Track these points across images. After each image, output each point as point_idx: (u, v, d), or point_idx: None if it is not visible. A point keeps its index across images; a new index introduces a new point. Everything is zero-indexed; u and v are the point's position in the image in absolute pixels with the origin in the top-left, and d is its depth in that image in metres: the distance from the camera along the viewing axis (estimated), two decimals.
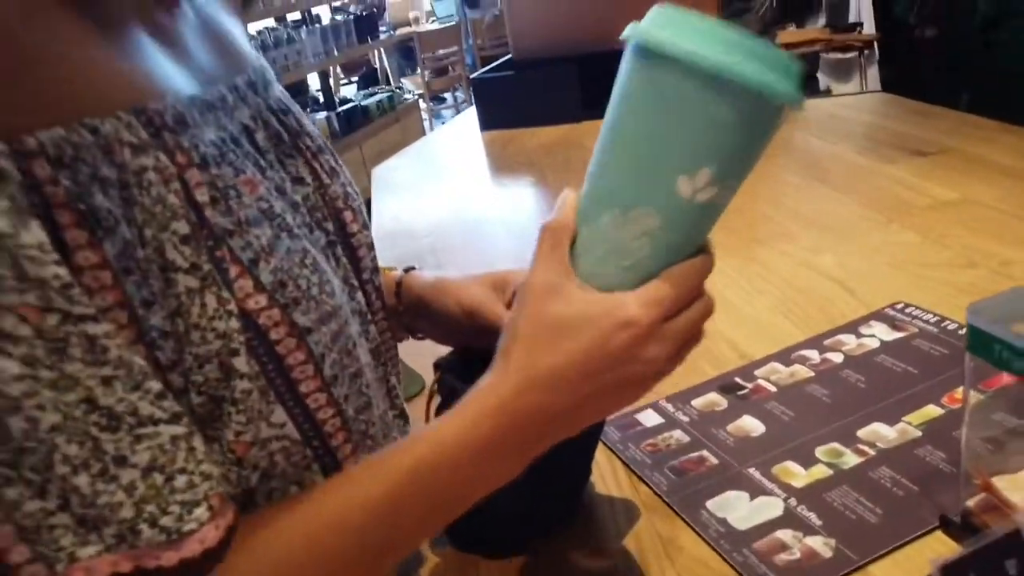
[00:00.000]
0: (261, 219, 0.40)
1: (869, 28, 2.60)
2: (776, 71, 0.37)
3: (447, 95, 6.82)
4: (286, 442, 0.40)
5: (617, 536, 0.59)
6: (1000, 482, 0.54)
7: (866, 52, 2.09)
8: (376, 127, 4.80)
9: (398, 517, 0.40)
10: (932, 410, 0.67)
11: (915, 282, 0.89)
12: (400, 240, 1.32)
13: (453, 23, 6.44)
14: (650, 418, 0.72)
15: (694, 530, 0.58)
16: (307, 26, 4.61)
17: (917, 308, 0.83)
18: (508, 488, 0.42)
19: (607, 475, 0.66)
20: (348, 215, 0.51)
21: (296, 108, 0.51)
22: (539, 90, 1.98)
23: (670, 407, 0.74)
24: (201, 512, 0.34)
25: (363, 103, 4.83)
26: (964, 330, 0.55)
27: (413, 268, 0.63)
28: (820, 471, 0.62)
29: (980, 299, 0.52)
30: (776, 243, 1.05)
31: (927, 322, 0.80)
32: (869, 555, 0.54)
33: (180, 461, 0.34)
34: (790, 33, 2.14)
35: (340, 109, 4.56)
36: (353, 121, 4.55)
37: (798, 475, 0.62)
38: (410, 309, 0.61)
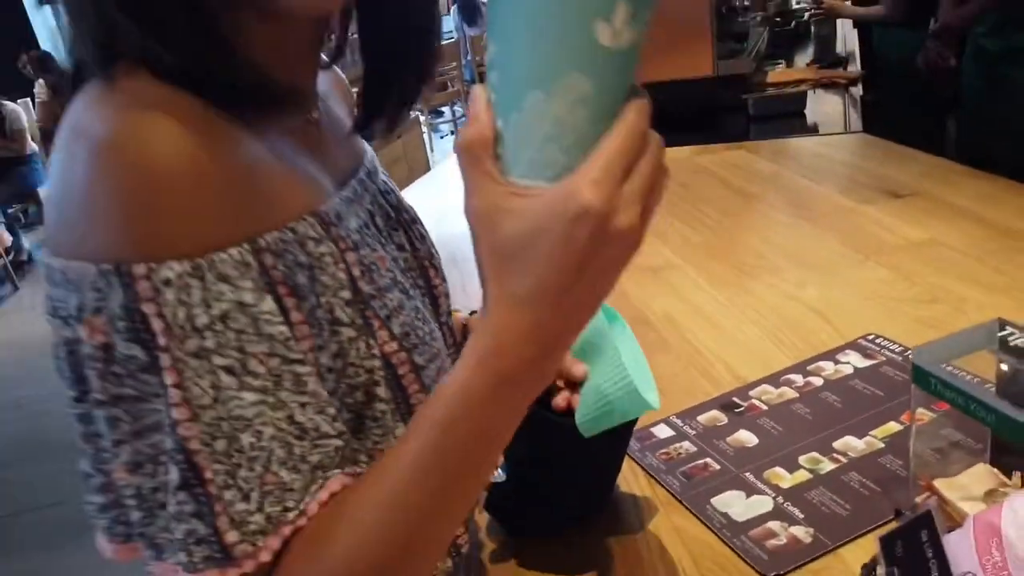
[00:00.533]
0: (391, 286, 0.54)
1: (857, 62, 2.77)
2: None
3: (445, 109, 6.98)
4: None
5: (639, 526, 0.74)
6: (940, 484, 0.69)
7: (850, 89, 2.25)
8: (379, 142, 4.93)
9: (442, 461, 0.42)
10: (893, 426, 0.82)
11: (885, 315, 1.04)
12: None
13: (452, 40, 6.60)
14: (663, 431, 0.87)
15: (702, 521, 0.73)
16: None
17: (885, 339, 0.98)
18: (551, 482, 0.54)
19: (629, 478, 0.81)
20: (432, 272, 0.65)
21: (394, 186, 0.66)
22: None
23: (679, 422, 0.88)
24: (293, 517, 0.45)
25: None
26: None
27: (475, 312, 0.77)
28: (802, 475, 0.77)
29: (925, 343, 0.67)
30: (765, 276, 1.20)
31: (893, 351, 0.95)
32: (839, 540, 0.68)
33: (336, 465, 0.47)
34: (780, 72, 2.30)
35: None
36: None
37: (784, 478, 0.77)
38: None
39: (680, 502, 0.76)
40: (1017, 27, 1.85)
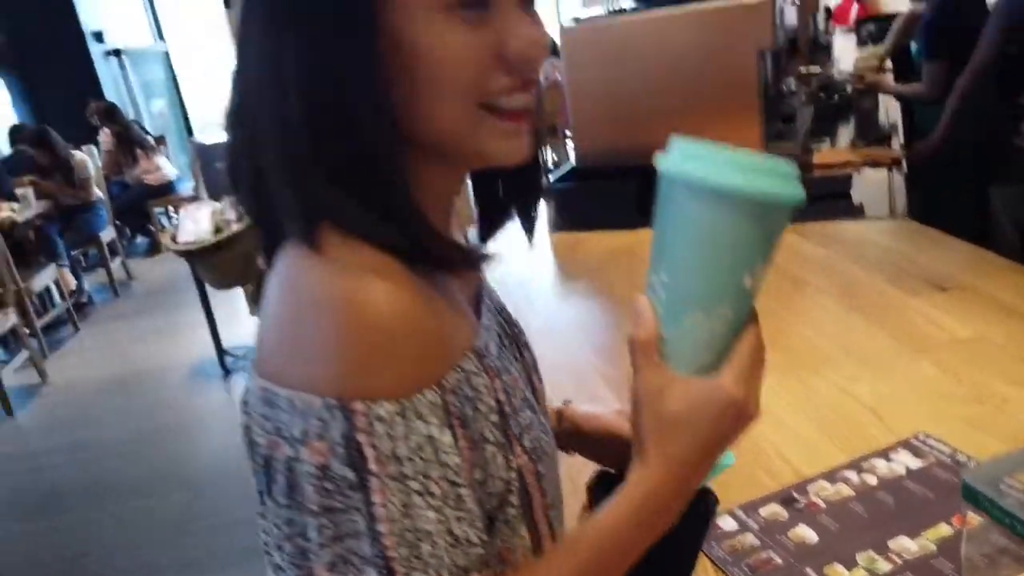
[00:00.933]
0: (523, 405, 0.64)
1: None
2: (787, 179, 0.51)
3: None
4: (523, 548, 0.63)
5: None
6: None
7: (893, 169, 2.33)
8: None
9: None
10: (944, 528, 0.89)
11: (933, 413, 1.11)
12: None
13: None
14: (728, 523, 0.95)
15: None
16: None
17: (934, 439, 1.05)
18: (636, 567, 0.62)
19: (699, 568, 0.89)
20: (535, 377, 0.74)
21: (502, 301, 0.76)
22: (600, 198, 2.24)
23: (742, 514, 0.96)
24: None
25: None
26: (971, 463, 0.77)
27: (570, 401, 0.87)
28: (860, 573, 0.84)
29: (976, 465, 0.75)
30: (819, 367, 1.28)
31: (942, 453, 1.02)
32: None
33: (479, 564, 0.56)
34: (825, 153, 2.38)
35: None
36: None
37: (843, 575, 0.84)
38: (566, 433, 0.84)
39: None
40: None
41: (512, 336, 0.72)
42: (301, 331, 0.52)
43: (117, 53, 7.90)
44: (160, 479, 3.15)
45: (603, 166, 2.31)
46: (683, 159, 0.52)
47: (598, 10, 2.46)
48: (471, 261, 0.63)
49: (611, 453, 0.81)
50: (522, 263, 2.07)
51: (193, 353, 4.29)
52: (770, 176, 0.50)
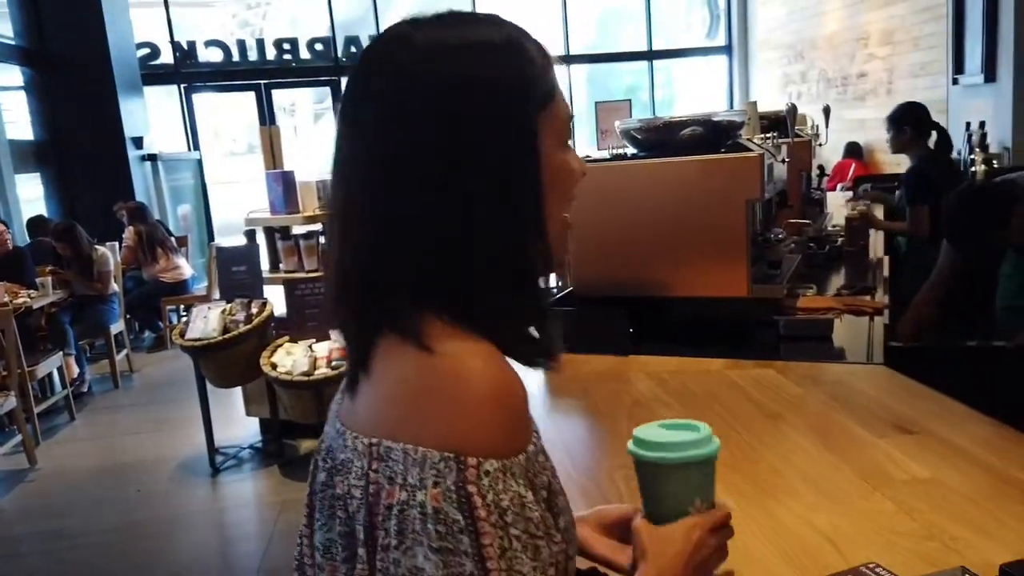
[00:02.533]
0: (560, 490, 0.73)
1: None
2: (707, 440, 0.82)
3: None
4: None
5: None
6: None
7: (874, 319, 2.45)
8: None
9: None
10: None
11: (886, 546, 1.17)
12: None
13: None
14: None
15: None
16: None
17: (885, 570, 1.10)
18: None
19: None
20: None
21: None
22: (593, 323, 2.36)
23: None
24: None
25: None
26: None
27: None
28: None
29: None
30: (783, 498, 1.34)
31: None
32: None
33: None
34: (809, 299, 2.52)
35: None
36: None
37: None
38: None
39: None
40: None
41: None
42: (423, 398, 0.64)
43: (153, 158, 8.31)
44: (137, 574, 3.11)
45: (597, 295, 2.44)
46: (638, 445, 0.84)
47: (604, 153, 2.67)
48: (548, 359, 0.75)
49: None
50: None
51: (184, 449, 4.30)
52: (692, 446, 0.81)
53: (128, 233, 6.64)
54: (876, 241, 3.81)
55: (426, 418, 0.63)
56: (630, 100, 4.63)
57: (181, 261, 6.85)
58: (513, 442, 0.64)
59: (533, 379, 2.25)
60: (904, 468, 1.42)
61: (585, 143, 6.27)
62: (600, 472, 1.55)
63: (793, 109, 2.92)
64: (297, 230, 4.21)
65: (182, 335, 3.83)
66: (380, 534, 0.63)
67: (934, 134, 4.08)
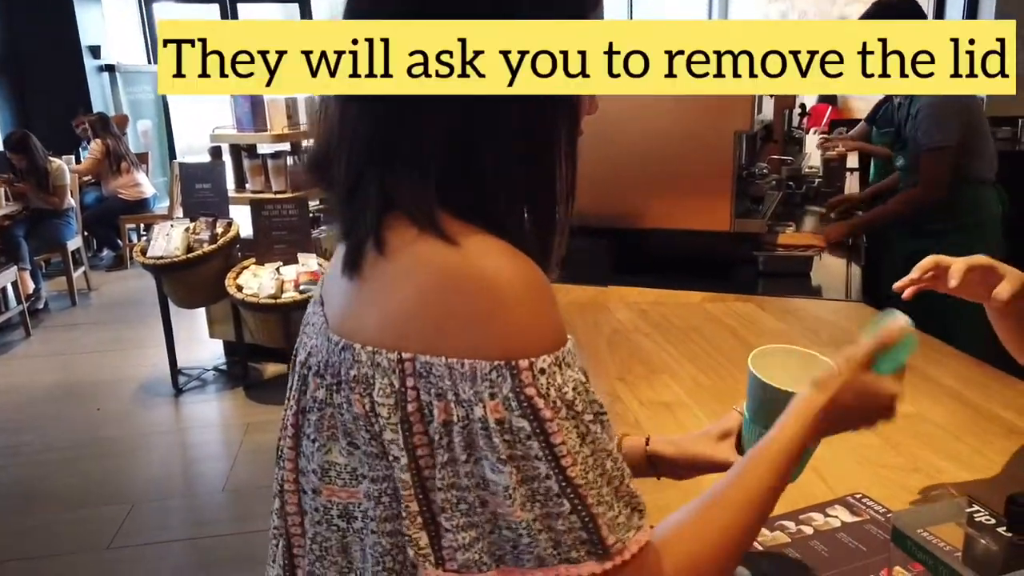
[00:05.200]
0: None
1: None
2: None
3: None
4: None
5: None
6: None
7: (853, 255, 2.45)
8: None
9: (772, 494, 0.74)
10: None
11: (872, 478, 1.16)
12: None
13: None
14: None
15: None
16: None
17: (871, 500, 1.10)
18: None
19: None
20: None
21: None
22: (575, 253, 2.31)
23: None
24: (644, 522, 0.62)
25: None
26: None
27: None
28: None
29: (905, 509, 0.80)
30: None
31: (877, 512, 1.07)
32: None
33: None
34: (789, 236, 2.50)
35: None
36: None
37: None
38: (654, 464, 0.97)
39: None
40: None
41: None
42: (456, 305, 0.58)
43: (111, 69, 7.94)
44: (96, 492, 3.06)
45: (579, 224, 2.39)
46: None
47: None
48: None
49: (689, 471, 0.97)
50: None
51: (145, 370, 4.22)
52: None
53: (96, 144, 6.38)
54: (852, 183, 3.81)
55: (464, 325, 0.58)
56: None
57: (142, 178, 6.61)
58: (557, 332, 0.60)
59: None
60: None
61: None
62: None
63: None
64: (264, 149, 4.06)
65: (144, 253, 3.70)
66: (440, 452, 0.58)
67: None
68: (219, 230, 3.75)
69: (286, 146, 4.02)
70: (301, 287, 3.49)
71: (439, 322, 0.58)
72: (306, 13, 8.26)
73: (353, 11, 0.65)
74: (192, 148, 8.17)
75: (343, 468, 0.63)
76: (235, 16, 8.87)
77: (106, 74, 7.94)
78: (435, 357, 0.57)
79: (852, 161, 4.02)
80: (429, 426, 0.58)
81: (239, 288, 3.55)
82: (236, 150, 4.05)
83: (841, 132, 4.88)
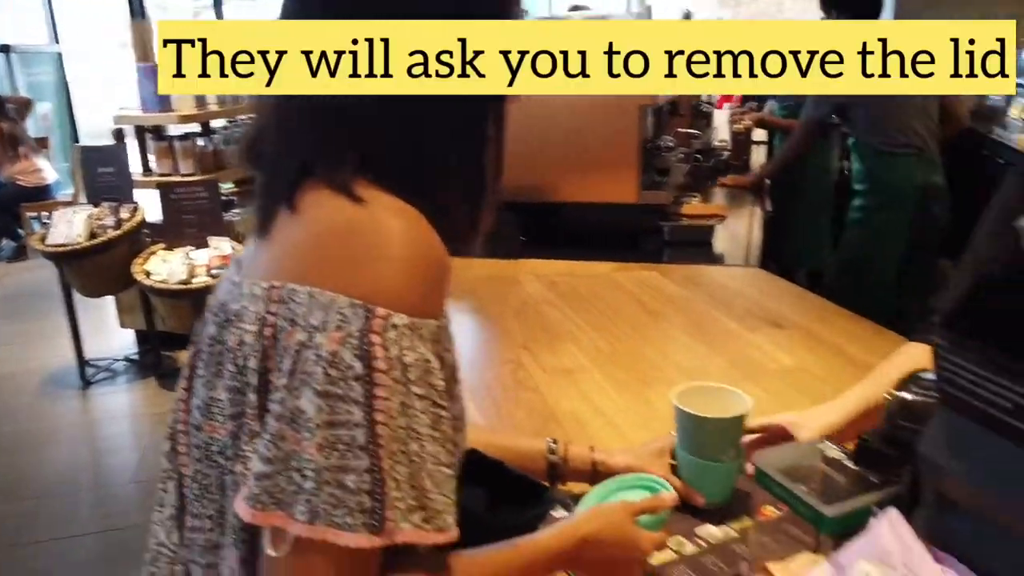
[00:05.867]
0: (456, 380, 0.69)
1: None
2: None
3: None
4: None
5: None
6: (773, 566, 0.85)
7: (753, 227, 2.54)
8: None
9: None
10: (747, 521, 0.98)
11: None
12: None
13: None
14: (560, 513, 1.01)
15: None
16: None
17: None
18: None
19: None
20: None
21: None
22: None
23: (571, 502, 1.03)
24: (452, 520, 0.62)
25: None
26: None
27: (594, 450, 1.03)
28: (668, 555, 0.92)
29: (766, 449, 0.84)
30: (660, 387, 1.38)
31: None
32: None
33: (450, 490, 0.62)
34: (694, 206, 2.57)
35: None
36: None
37: (655, 556, 0.92)
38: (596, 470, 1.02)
39: None
40: None
41: None
42: (340, 243, 0.59)
43: (5, 49, 7.52)
44: (2, 490, 2.94)
45: None
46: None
47: None
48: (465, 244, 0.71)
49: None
50: None
51: (52, 362, 4.05)
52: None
53: None
54: (759, 156, 3.93)
55: (340, 263, 0.59)
56: None
57: (44, 163, 6.30)
58: (427, 304, 0.60)
59: None
60: (773, 358, 1.49)
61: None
62: (487, 369, 1.54)
63: (688, 17, 2.91)
64: (172, 131, 3.93)
65: (43, 240, 3.55)
66: (275, 376, 0.59)
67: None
68: (124, 215, 3.61)
69: (195, 127, 3.89)
70: (213, 271, 3.40)
71: (321, 257, 0.60)
72: None
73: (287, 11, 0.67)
74: (97, 132, 7.82)
75: (225, 404, 0.64)
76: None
77: (1, 54, 7.52)
78: (301, 285, 0.59)
79: (759, 135, 4.15)
80: (277, 351, 0.59)
81: (147, 274, 3.44)
82: (141, 132, 3.91)
83: (752, 106, 5.02)
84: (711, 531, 0.97)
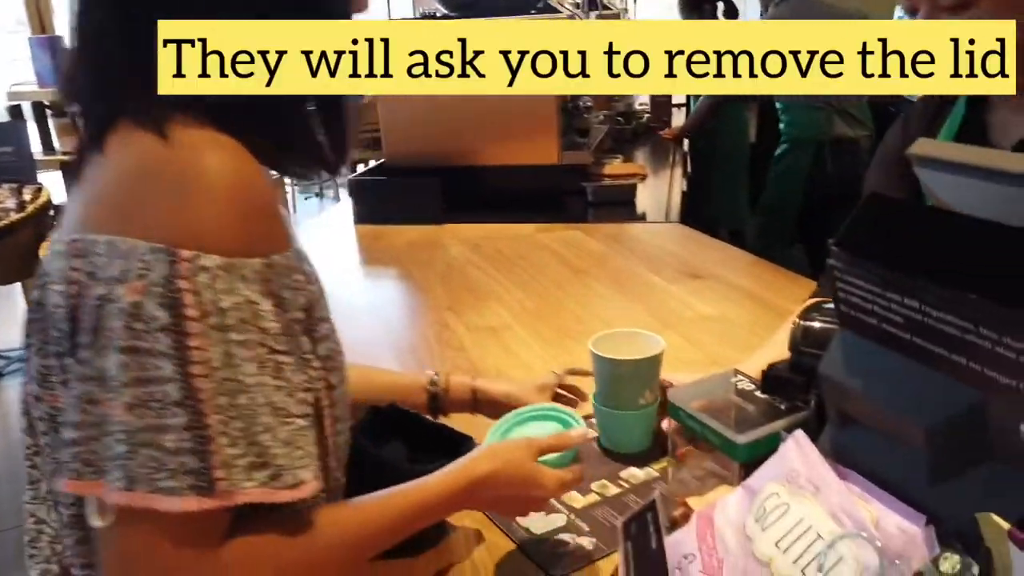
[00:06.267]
0: (325, 316, 0.66)
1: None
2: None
3: None
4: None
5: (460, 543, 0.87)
6: (692, 500, 0.87)
7: (673, 184, 2.58)
8: None
9: (401, 523, 0.68)
10: (668, 460, 1.00)
11: (675, 372, 1.25)
12: None
13: None
14: None
15: (508, 536, 0.87)
16: None
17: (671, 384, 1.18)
18: None
19: None
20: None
21: None
22: (407, 194, 2.30)
23: None
24: (310, 474, 0.58)
25: None
26: None
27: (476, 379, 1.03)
28: (592, 498, 0.93)
29: (680, 385, 0.86)
30: (582, 338, 1.37)
31: None
32: (615, 547, 0.85)
33: (304, 442, 0.58)
34: (615, 166, 2.59)
35: None
36: None
37: (578, 500, 0.93)
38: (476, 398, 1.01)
39: (491, 520, 0.90)
40: None
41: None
42: (139, 187, 0.55)
43: None
44: None
45: (410, 165, 2.37)
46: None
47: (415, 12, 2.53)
48: (331, 163, 0.67)
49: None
50: (328, 251, 2.08)
51: None
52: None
53: None
54: (679, 119, 3.99)
55: (141, 206, 0.54)
56: None
57: None
58: (245, 242, 0.55)
59: (344, 252, 2.19)
60: (692, 308, 1.52)
61: (399, 3, 6.00)
62: (414, 333, 1.53)
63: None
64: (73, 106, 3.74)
65: None
66: (81, 336, 0.54)
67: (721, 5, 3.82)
68: (27, 197, 3.43)
69: None
70: None
71: (121, 202, 0.55)
72: None
73: None
74: None
75: (57, 370, 0.59)
76: None
77: None
78: (99, 235, 0.54)
79: (679, 97, 4.21)
80: (82, 309, 0.54)
81: None
82: (40, 108, 3.70)
83: None
84: (634, 472, 0.99)
